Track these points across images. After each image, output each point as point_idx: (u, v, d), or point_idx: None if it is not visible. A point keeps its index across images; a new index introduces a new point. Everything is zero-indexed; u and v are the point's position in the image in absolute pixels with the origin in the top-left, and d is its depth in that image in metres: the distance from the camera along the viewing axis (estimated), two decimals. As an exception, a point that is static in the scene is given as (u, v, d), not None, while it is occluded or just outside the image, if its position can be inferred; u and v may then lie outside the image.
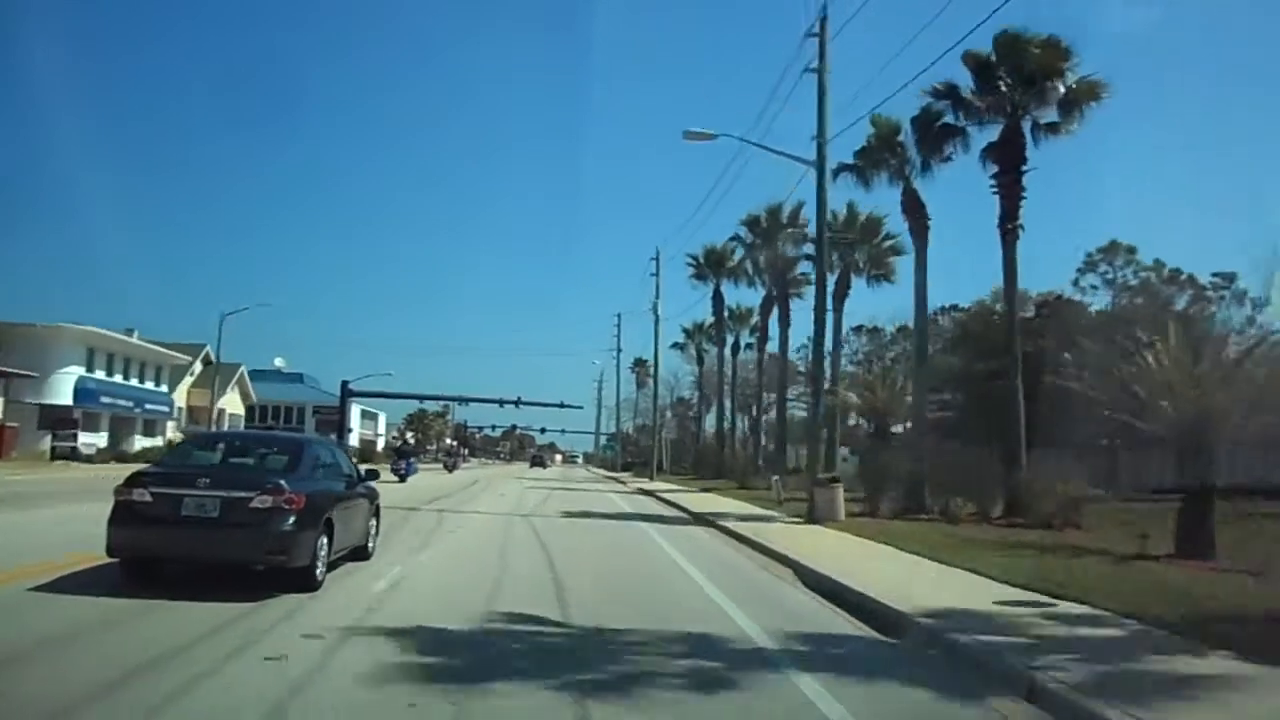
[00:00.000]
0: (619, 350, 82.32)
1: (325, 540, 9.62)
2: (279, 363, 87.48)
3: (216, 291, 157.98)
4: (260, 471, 9.78)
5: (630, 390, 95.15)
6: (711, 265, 55.44)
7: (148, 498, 8.82)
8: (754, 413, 60.85)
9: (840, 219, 33.82)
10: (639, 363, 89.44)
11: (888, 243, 36.08)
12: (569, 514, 23.58)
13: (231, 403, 67.52)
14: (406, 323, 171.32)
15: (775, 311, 48.45)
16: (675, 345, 74.08)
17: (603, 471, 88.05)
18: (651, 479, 55.56)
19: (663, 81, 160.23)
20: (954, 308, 55.74)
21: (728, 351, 61.07)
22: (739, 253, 51.65)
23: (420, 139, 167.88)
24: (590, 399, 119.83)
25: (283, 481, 9.10)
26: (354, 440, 75.04)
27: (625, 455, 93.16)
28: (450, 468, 63.65)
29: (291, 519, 8.88)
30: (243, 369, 69.46)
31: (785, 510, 24.19)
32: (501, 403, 72.02)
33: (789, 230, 45.11)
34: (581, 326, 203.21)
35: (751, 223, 47.06)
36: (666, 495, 34.12)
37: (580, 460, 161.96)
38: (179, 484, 8.96)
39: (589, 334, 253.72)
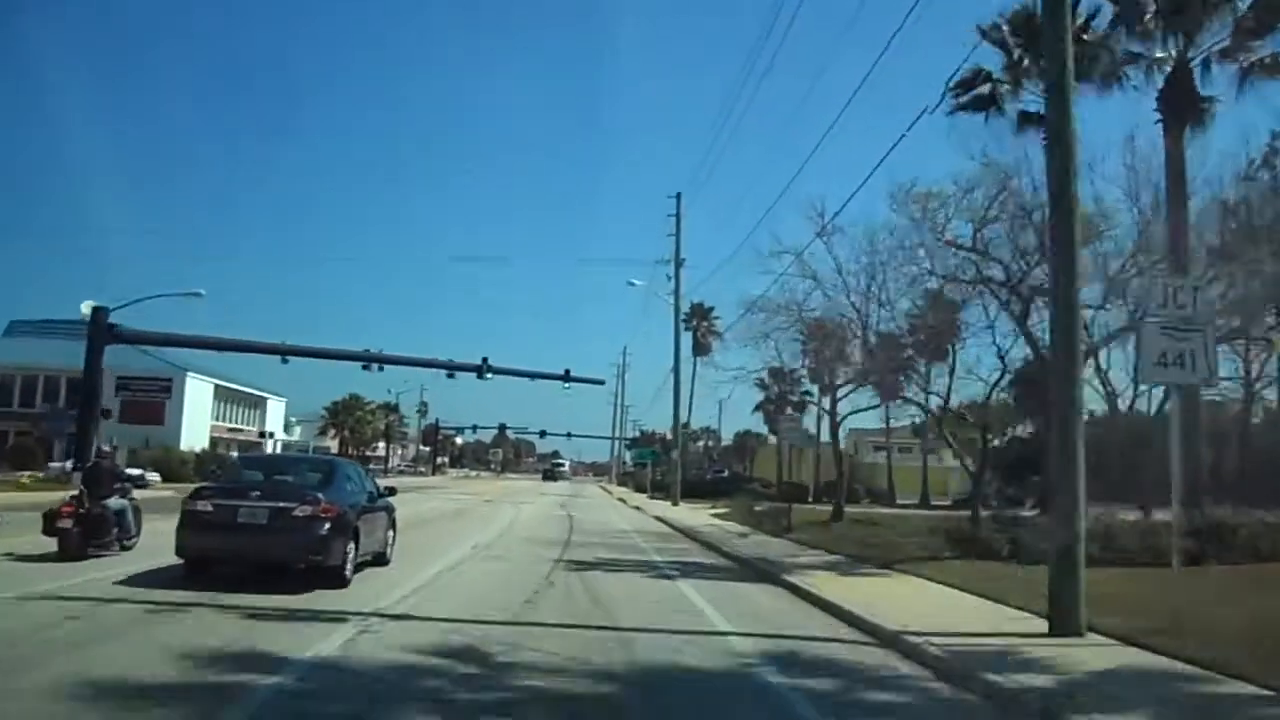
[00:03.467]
0: (677, 262, 45.19)
1: (353, 545, 11.52)
2: (86, 310, 44.06)
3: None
4: (300, 486, 11.69)
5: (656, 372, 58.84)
6: None
7: (210, 508, 10.80)
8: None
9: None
10: (699, 312, 59.90)
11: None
12: None
13: None
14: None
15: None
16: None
17: (638, 497, 52.25)
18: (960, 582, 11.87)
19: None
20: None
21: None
22: None
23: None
24: (611, 374, 79.96)
25: (320, 494, 11.05)
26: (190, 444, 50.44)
27: (658, 471, 60.71)
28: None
29: (327, 525, 10.81)
30: None
31: None
32: (451, 370, 42.56)
33: None
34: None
35: None
36: None
37: (568, 468, 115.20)
38: (235, 496, 11.00)
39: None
